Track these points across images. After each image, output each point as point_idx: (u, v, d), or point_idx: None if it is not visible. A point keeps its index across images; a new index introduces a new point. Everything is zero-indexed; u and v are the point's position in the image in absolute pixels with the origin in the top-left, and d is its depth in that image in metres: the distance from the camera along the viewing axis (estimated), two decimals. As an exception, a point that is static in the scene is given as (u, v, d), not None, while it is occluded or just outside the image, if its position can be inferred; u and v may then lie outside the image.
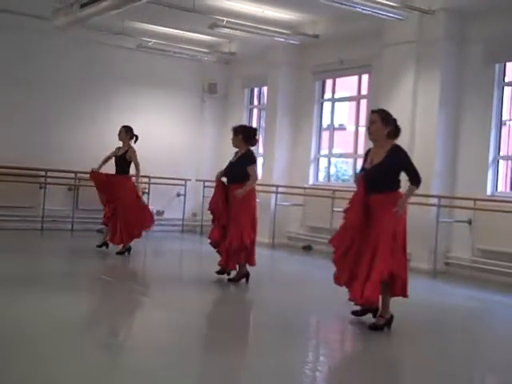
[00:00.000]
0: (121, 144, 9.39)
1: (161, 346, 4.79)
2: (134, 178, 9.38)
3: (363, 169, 5.78)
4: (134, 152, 9.25)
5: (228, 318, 5.98)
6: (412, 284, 5.77)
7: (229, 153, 13.90)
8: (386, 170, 5.57)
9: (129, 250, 9.25)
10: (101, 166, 9.38)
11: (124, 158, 9.23)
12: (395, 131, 5.67)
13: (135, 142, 9.39)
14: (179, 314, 5.93)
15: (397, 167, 5.60)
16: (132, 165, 9.29)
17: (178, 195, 13.44)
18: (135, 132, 9.41)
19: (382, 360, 4.89)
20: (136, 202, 9.36)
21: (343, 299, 5.77)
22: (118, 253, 9.15)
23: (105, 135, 12.21)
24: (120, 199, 9.13)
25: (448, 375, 4.54)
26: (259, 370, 4.37)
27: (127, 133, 9.30)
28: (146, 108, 13.08)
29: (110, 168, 9.38)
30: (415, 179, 5.61)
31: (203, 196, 13.11)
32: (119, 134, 9.36)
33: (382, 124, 5.61)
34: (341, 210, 10.34)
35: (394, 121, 5.69)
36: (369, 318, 5.73)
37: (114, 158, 9.34)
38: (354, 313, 5.83)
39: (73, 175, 12.02)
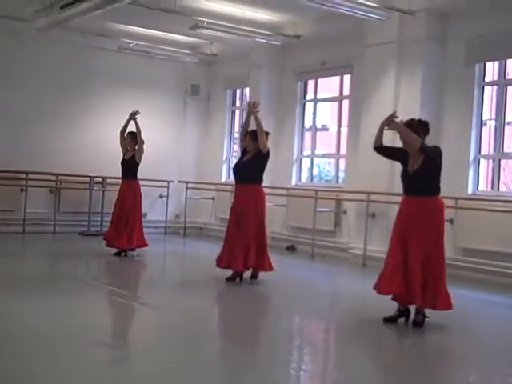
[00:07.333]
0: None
1: (151, 349, 4.78)
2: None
3: (406, 172, 5.88)
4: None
5: (222, 320, 5.94)
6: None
7: (211, 154, 14.02)
8: (426, 175, 5.81)
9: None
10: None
11: (133, 160, 9.46)
12: (425, 136, 5.85)
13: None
14: (168, 316, 5.90)
15: (434, 171, 5.85)
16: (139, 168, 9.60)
17: (161, 197, 13.39)
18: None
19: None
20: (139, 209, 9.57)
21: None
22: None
23: (86, 137, 12.20)
24: (127, 203, 9.36)
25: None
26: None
27: (133, 139, 9.54)
28: (128, 110, 12.81)
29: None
30: (423, 146, 5.76)
31: (186, 198, 13.10)
32: (125, 141, 9.57)
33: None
34: (324, 210, 10.48)
35: (426, 125, 5.88)
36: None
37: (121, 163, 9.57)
38: (389, 319, 5.85)
39: (54, 177, 11.95)
